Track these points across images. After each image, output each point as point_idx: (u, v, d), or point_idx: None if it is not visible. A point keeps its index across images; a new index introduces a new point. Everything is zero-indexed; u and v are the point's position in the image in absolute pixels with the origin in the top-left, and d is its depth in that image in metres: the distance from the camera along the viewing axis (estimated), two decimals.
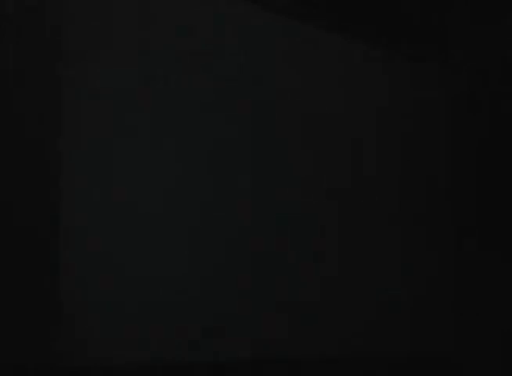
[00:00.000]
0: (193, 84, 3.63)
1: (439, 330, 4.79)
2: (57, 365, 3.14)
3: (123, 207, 3.35)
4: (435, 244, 4.83)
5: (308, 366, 3.95)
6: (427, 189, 4.86)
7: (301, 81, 4.13)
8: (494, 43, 4.80)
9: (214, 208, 3.71)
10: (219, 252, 3.69)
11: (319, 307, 4.08)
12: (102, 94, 3.32)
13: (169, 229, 3.51)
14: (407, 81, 4.81)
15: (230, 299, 3.72)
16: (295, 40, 4.12)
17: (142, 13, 3.48)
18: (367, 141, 4.47)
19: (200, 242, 3.61)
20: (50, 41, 3.20)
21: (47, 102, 3.18)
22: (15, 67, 3.10)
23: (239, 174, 3.81)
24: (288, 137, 4.06)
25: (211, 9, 3.73)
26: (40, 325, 3.15)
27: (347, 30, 4.43)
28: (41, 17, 3.18)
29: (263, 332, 3.81)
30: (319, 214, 4.15)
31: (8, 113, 3.12)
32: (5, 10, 3.12)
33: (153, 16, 3.51)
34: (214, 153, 3.71)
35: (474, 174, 4.87)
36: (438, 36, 4.87)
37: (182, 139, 3.59)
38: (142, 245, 3.42)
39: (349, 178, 4.33)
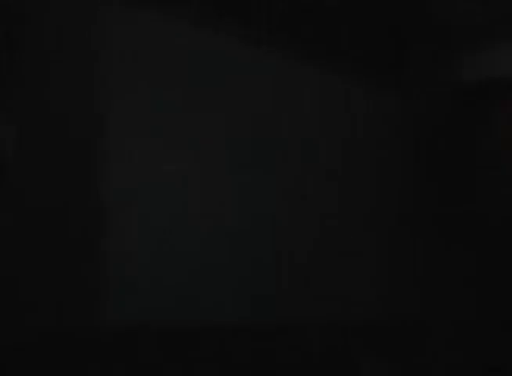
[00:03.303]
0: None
1: (409, 296, 5.32)
2: (102, 327, 3.72)
3: (149, 207, 4.06)
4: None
5: (283, 333, 4.44)
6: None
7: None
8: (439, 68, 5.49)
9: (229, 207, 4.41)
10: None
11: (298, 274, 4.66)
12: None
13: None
14: (372, 105, 5.47)
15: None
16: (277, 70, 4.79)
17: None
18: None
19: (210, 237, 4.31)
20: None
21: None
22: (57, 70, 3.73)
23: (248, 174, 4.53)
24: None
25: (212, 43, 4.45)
26: (87, 292, 3.70)
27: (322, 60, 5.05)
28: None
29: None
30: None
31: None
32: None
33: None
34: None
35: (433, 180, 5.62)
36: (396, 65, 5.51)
37: (200, 146, 4.31)
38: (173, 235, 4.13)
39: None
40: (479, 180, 5.62)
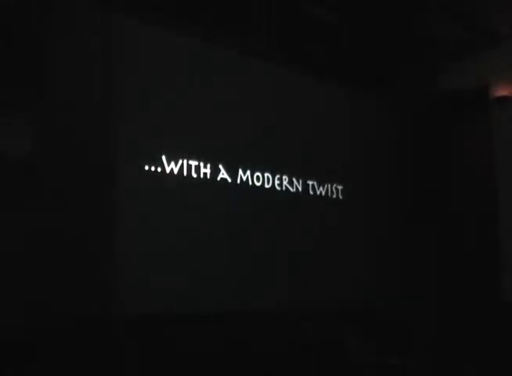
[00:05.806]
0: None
1: (389, 283, 5.54)
2: (114, 313, 3.96)
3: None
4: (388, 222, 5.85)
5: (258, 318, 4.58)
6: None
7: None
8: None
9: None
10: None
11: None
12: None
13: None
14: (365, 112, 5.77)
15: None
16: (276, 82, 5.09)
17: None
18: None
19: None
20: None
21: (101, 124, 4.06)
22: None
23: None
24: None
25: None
26: (99, 281, 3.89)
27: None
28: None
29: None
30: None
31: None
32: None
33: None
34: None
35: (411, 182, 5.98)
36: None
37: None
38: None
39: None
40: (454, 181, 5.93)
